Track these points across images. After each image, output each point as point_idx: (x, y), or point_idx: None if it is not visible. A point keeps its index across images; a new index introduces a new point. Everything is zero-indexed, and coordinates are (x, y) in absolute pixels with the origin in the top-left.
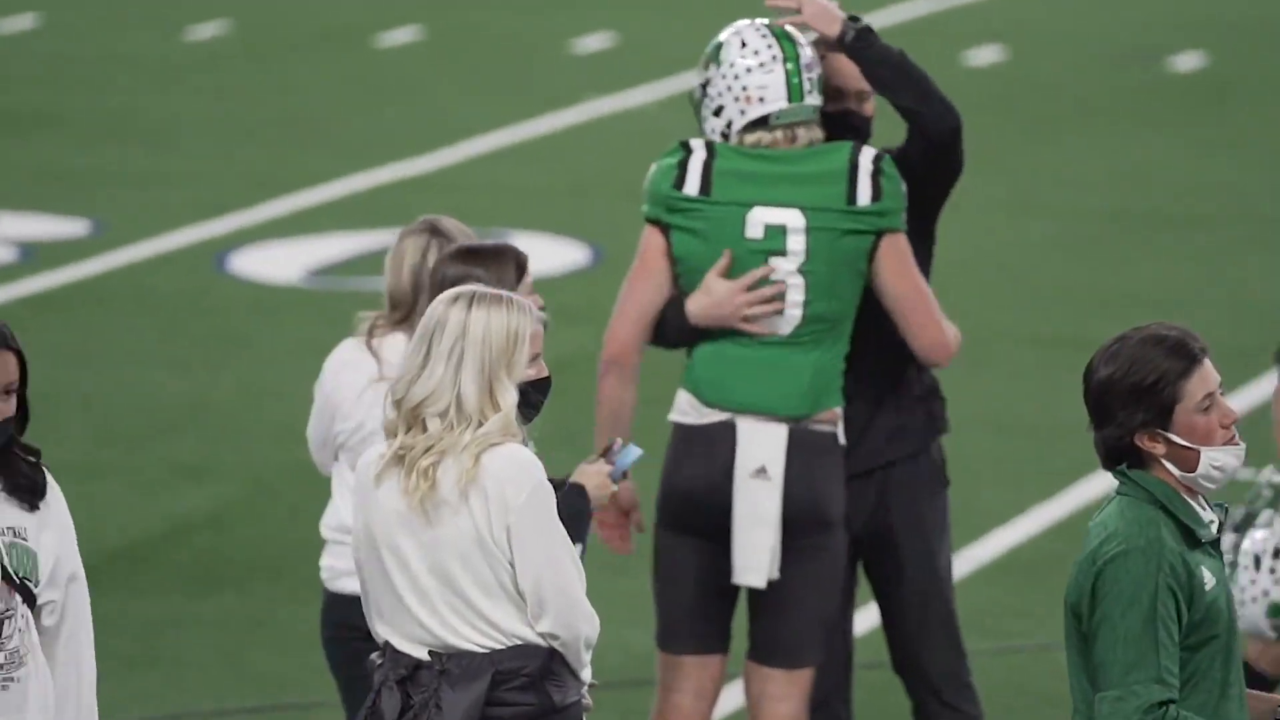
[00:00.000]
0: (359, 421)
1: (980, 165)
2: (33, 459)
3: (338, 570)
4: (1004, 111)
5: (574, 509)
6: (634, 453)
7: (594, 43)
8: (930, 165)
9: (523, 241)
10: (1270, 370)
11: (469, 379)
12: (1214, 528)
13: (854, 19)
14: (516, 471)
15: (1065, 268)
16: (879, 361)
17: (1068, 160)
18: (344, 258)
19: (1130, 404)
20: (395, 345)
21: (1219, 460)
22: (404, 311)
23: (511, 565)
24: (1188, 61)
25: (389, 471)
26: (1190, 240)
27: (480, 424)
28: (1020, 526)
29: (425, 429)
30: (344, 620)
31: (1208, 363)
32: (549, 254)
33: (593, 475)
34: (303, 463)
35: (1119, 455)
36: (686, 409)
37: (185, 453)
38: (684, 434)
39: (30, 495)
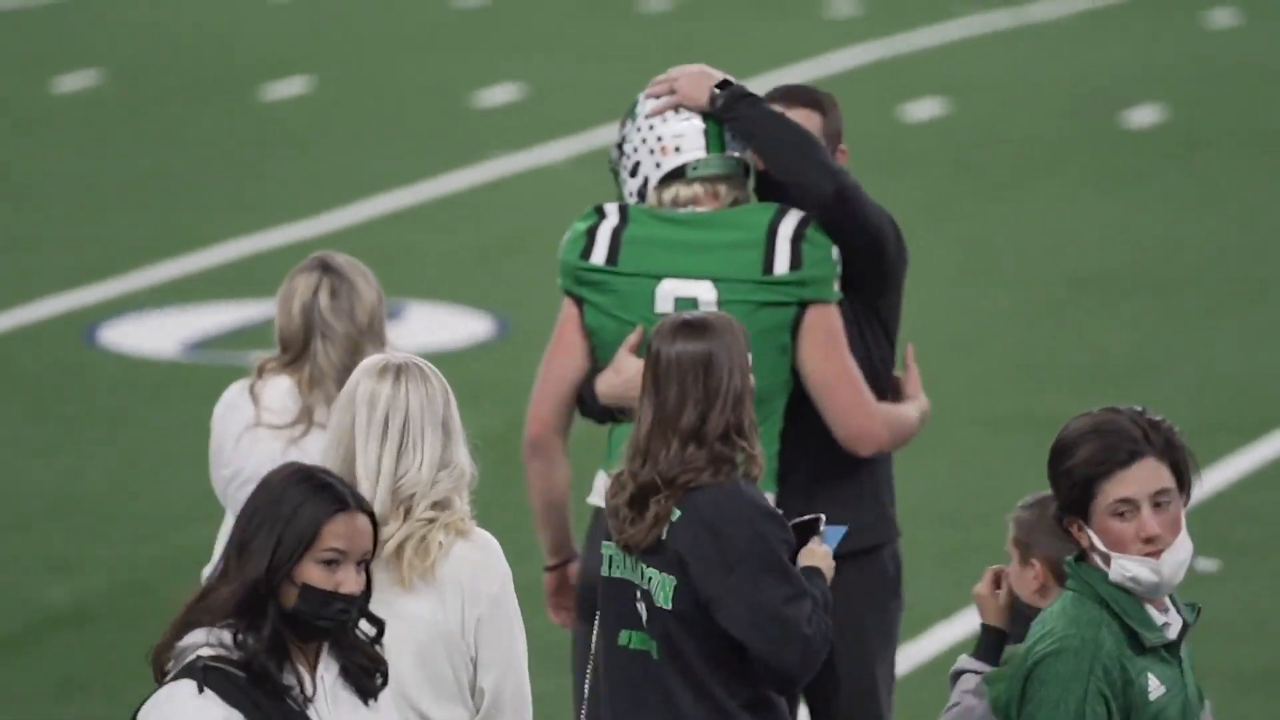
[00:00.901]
0: (236, 468)
1: (926, 228)
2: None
3: None
4: (949, 169)
5: (821, 592)
6: (840, 531)
7: (501, 94)
8: (840, 242)
9: (423, 313)
10: (1240, 449)
11: (430, 455)
12: (1172, 631)
13: (726, 84)
14: (492, 559)
15: (1019, 339)
16: (821, 447)
17: (1021, 221)
18: (228, 329)
19: (1056, 483)
20: (277, 388)
21: (1130, 571)
22: (294, 353)
23: (473, 661)
24: (1146, 115)
25: None
26: (1155, 307)
27: (443, 499)
28: (964, 621)
29: (401, 519)
30: None
31: (1144, 464)
32: (453, 326)
33: (822, 557)
34: (180, 553)
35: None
36: (603, 492)
37: (51, 545)
38: (599, 518)
39: (366, 680)
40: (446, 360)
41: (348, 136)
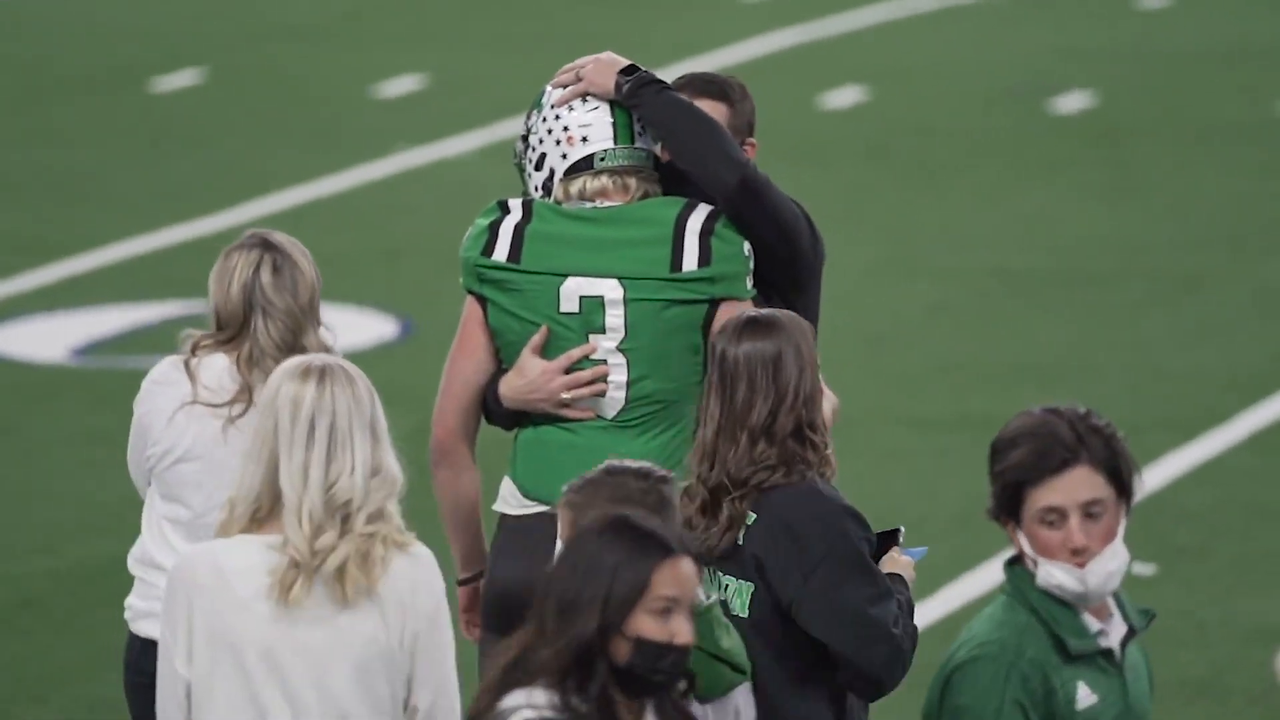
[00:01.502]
0: (167, 446)
1: (846, 220)
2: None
3: (140, 610)
4: (869, 159)
5: (905, 598)
6: (921, 551)
7: (403, 85)
8: (750, 237)
9: (327, 313)
10: (1177, 447)
11: (361, 461)
12: (1112, 638)
13: (632, 70)
14: (430, 575)
15: (945, 335)
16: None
17: (945, 213)
18: (120, 332)
19: (991, 482)
20: (214, 366)
21: (1055, 578)
22: (232, 331)
23: (407, 679)
24: (1074, 101)
25: (264, 567)
26: (1085, 301)
27: (378, 509)
28: None
29: (339, 530)
30: (151, 667)
31: (1075, 473)
32: (356, 327)
33: (905, 565)
34: (73, 566)
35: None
36: (509, 498)
37: None
38: (504, 526)
39: None
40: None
41: (243, 131)
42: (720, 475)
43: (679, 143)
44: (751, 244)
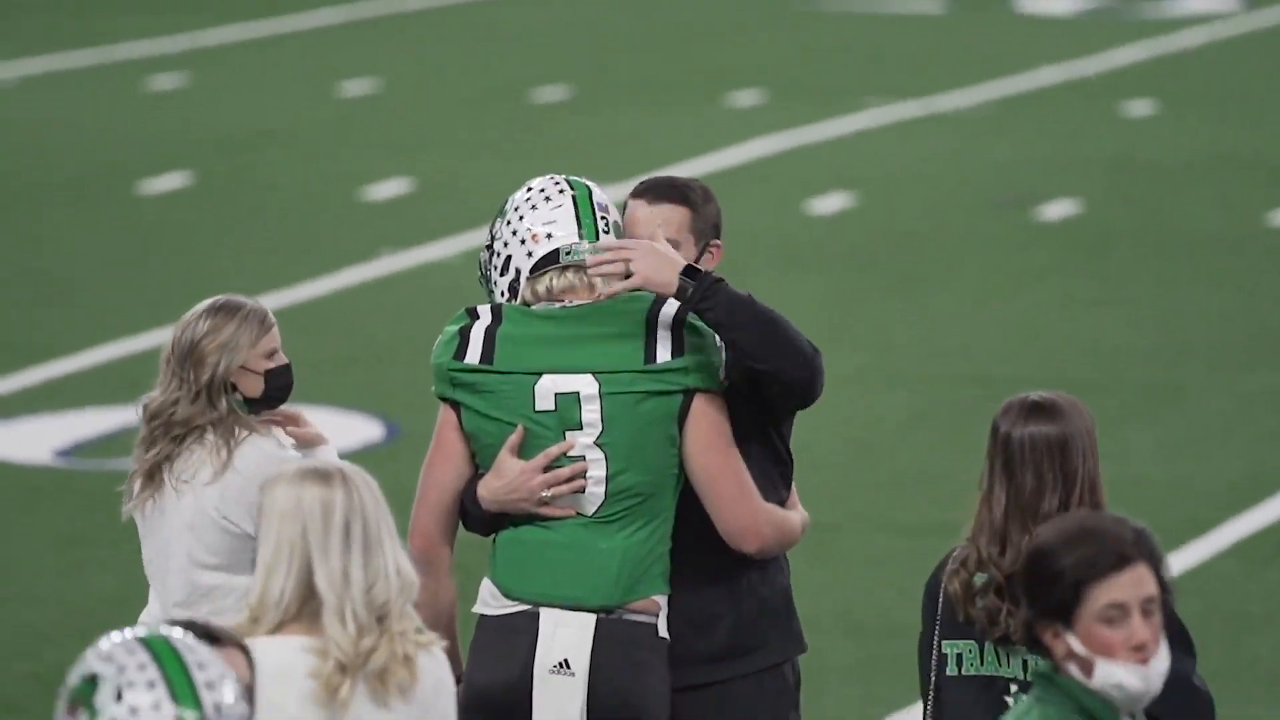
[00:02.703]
0: None
1: (831, 328)
2: None
3: None
4: (854, 266)
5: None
6: None
7: (388, 189)
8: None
9: (310, 417)
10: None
11: (392, 561)
12: None
13: (693, 270)
14: (447, 675)
15: (926, 443)
16: (717, 547)
17: (928, 321)
18: (104, 434)
19: (1035, 588)
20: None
21: (1116, 678)
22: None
23: None
24: (1058, 209)
25: (303, 669)
26: None
27: (402, 610)
28: None
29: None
30: None
31: (1137, 569)
32: (339, 430)
33: None
34: (54, 670)
35: (1033, 643)
36: (488, 599)
37: None
38: (483, 627)
39: None
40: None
41: (229, 235)
42: (1020, 562)
43: (751, 343)
44: (780, 387)
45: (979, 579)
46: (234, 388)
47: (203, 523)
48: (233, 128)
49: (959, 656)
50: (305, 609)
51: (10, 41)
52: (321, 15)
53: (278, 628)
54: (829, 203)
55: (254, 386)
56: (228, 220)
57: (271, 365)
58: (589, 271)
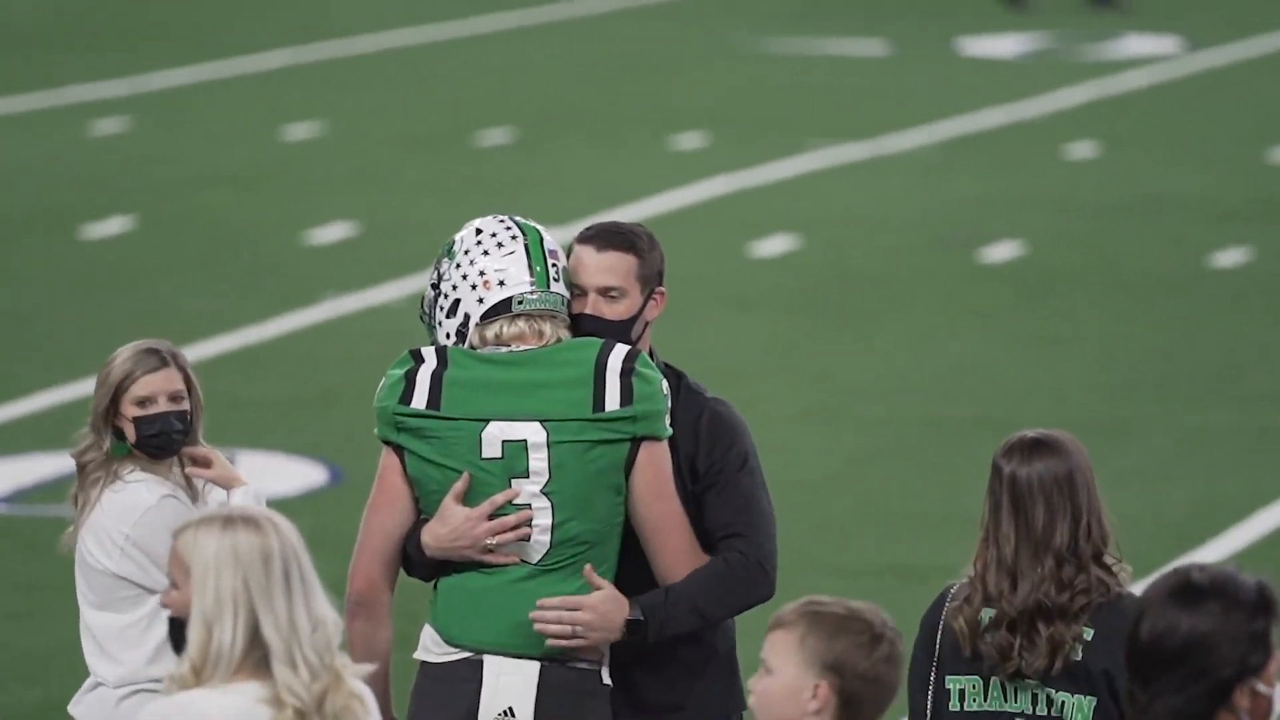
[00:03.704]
0: None
1: (776, 368)
2: None
3: None
4: (799, 307)
5: None
6: None
7: (333, 232)
8: None
9: (254, 461)
10: None
11: (324, 602)
12: None
13: (633, 617)
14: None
15: (872, 484)
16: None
17: (874, 361)
18: (49, 479)
19: (1238, 640)
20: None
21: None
22: None
23: None
24: (1002, 251)
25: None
26: None
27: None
28: None
29: (329, 673)
30: None
31: None
32: (283, 474)
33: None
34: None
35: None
36: (430, 645)
37: None
38: (425, 673)
39: None
40: (279, 509)
41: (173, 277)
42: (1032, 598)
43: (716, 618)
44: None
45: (986, 615)
46: (119, 431)
47: (80, 561)
48: (177, 170)
49: (961, 692)
50: (248, 658)
51: None
52: (266, 59)
53: (222, 679)
54: (774, 244)
55: (130, 432)
56: (172, 262)
57: (141, 413)
58: (535, 627)
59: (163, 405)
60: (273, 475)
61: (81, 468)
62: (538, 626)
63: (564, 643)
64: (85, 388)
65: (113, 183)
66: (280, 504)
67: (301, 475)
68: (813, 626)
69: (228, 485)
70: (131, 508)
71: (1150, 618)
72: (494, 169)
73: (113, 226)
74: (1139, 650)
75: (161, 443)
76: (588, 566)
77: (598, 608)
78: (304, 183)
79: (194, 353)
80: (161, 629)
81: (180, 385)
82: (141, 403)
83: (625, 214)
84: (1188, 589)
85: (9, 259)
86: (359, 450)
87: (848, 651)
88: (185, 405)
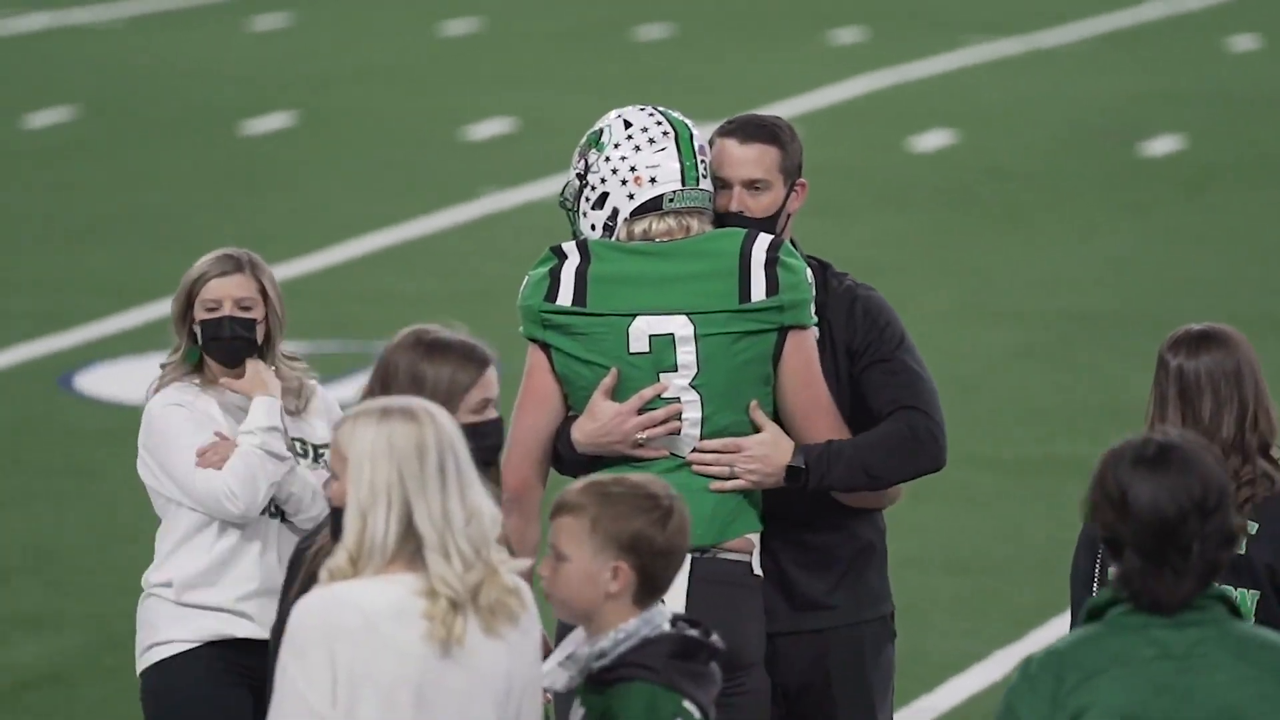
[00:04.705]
0: None
1: (931, 263)
2: None
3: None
4: (955, 202)
5: None
6: None
7: (491, 128)
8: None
9: None
10: None
11: (482, 494)
12: None
13: (794, 463)
14: (533, 604)
15: (1027, 379)
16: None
17: (1030, 256)
18: None
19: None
20: None
21: None
22: None
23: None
24: (1162, 144)
25: (416, 610)
26: None
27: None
28: (981, 672)
29: (483, 565)
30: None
31: None
32: None
33: None
34: None
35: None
36: None
37: (24, 601)
38: None
39: None
40: None
41: (332, 173)
42: None
43: (882, 479)
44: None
45: None
46: (194, 336)
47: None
48: (335, 66)
49: None
50: (403, 549)
51: None
52: None
53: (377, 570)
54: (929, 140)
55: (198, 336)
56: (331, 159)
57: (207, 317)
58: (694, 469)
59: (227, 310)
60: None
61: (163, 371)
62: (696, 468)
63: (723, 484)
64: None
65: (271, 79)
66: None
67: None
68: (604, 508)
69: (249, 393)
70: (148, 417)
71: None
72: (651, 64)
73: (272, 123)
74: None
75: (221, 347)
76: (754, 402)
77: (758, 449)
78: (461, 78)
79: (353, 249)
80: (171, 538)
81: (251, 293)
82: (210, 307)
83: (781, 109)
84: None
85: (166, 157)
86: (518, 344)
87: (643, 530)
88: (254, 314)
